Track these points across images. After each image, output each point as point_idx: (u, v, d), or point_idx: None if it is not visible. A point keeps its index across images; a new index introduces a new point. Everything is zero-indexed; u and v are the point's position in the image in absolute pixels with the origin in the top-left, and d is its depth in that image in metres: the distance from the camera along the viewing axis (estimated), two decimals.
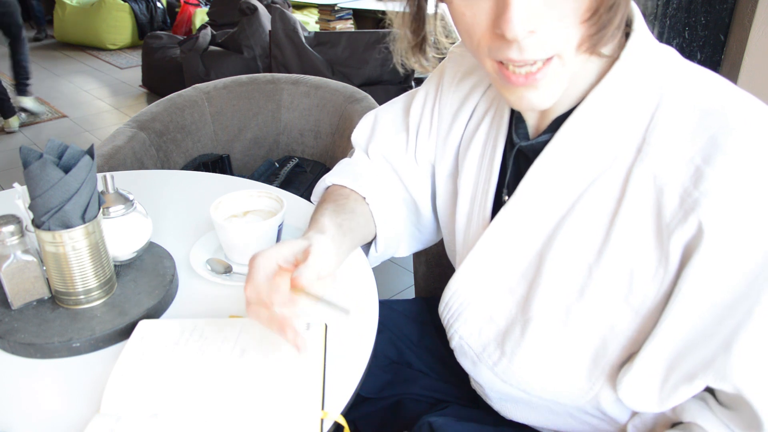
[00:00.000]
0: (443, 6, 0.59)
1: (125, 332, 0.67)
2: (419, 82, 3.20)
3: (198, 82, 1.67)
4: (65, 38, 5.76)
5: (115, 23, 5.53)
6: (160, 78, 4.14)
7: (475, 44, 0.53)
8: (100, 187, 0.71)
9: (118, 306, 0.70)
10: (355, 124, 0.86)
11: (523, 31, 0.47)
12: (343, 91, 1.61)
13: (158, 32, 4.46)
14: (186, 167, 1.56)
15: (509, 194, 0.66)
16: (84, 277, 0.68)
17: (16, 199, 0.68)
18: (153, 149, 1.47)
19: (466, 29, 0.52)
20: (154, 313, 0.71)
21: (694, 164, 0.50)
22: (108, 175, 0.76)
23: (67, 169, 0.64)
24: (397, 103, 0.83)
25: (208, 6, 5.01)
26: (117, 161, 1.33)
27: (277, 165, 1.62)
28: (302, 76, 1.68)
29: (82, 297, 0.69)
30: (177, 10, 5.55)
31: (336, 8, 4.44)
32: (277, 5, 3.52)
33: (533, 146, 0.62)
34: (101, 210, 0.69)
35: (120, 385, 0.59)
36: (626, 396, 0.57)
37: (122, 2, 5.50)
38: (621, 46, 0.56)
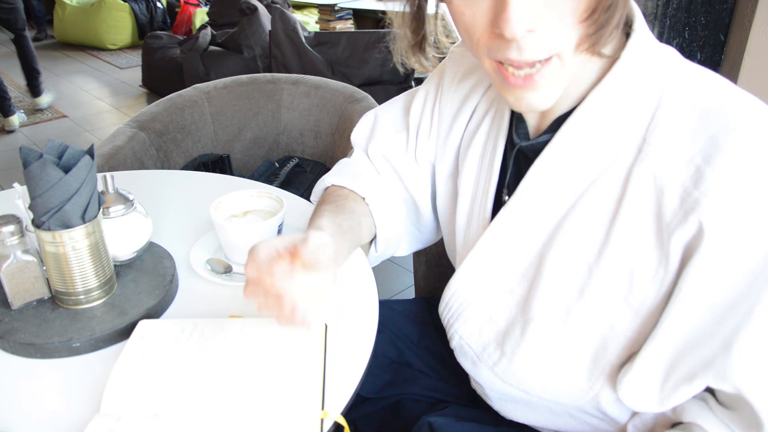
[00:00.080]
0: (444, 6, 0.59)
1: (125, 332, 0.67)
2: (419, 82, 3.20)
3: (198, 82, 1.67)
4: (65, 38, 5.76)
5: (115, 23, 5.53)
6: (160, 78, 4.14)
7: (475, 44, 0.53)
8: (100, 187, 0.71)
9: (118, 306, 0.70)
10: (355, 124, 0.86)
11: (521, 30, 0.47)
12: (343, 91, 1.61)
13: (158, 32, 4.46)
14: (186, 167, 1.56)
15: (509, 194, 0.66)
16: (84, 277, 0.68)
17: (16, 199, 0.68)
18: (153, 149, 1.47)
19: (465, 28, 0.52)
20: (154, 313, 0.71)
21: (695, 164, 0.50)
22: (108, 175, 0.76)
23: (67, 169, 0.64)
24: (397, 102, 0.83)
25: (208, 6, 5.01)
26: (117, 161, 1.33)
27: (277, 165, 1.62)
28: (302, 76, 1.68)
29: (82, 297, 0.69)
30: (177, 10, 5.55)
31: (336, 8, 4.44)
32: (277, 5, 3.52)
33: (533, 146, 0.62)
34: (101, 210, 0.69)
35: (120, 385, 0.59)
36: (626, 396, 0.57)
37: (122, 2, 5.50)
38: (621, 46, 0.56)
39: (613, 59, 0.56)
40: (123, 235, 0.76)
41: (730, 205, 0.48)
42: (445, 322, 0.72)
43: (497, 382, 0.67)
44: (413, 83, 3.21)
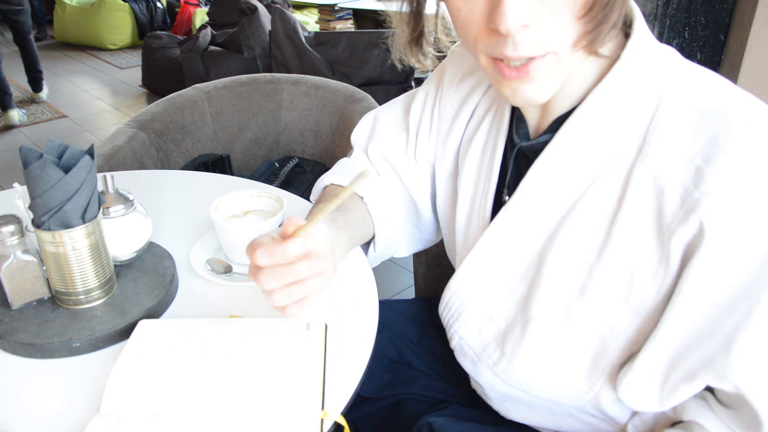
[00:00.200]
0: (444, 5, 0.59)
1: (125, 332, 0.67)
2: (419, 82, 3.21)
3: (198, 82, 1.67)
4: (65, 38, 5.76)
5: (115, 23, 5.53)
6: (160, 78, 4.14)
7: (472, 41, 0.53)
8: (100, 187, 0.71)
9: (118, 306, 0.70)
10: (355, 124, 0.86)
11: (516, 25, 0.47)
12: (343, 91, 1.61)
13: (158, 32, 4.46)
14: (186, 167, 1.56)
15: (509, 194, 0.66)
16: (84, 277, 0.68)
17: (16, 199, 0.68)
18: (153, 149, 1.47)
19: (462, 25, 0.52)
20: (154, 313, 0.71)
21: (695, 164, 0.50)
22: (108, 175, 0.76)
23: (67, 169, 0.64)
24: (397, 103, 0.83)
25: (208, 6, 5.01)
26: (117, 161, 1.33)
27: (277, 165, 1.62)
28: (302, 76, 1.68)
29: (82, 297, 0.69)
30: (177, 10, 5.55)
31: (336, 8, 4.44)
32: (277, 5, 3.52)
33: (534, 146, 0.62)
34: (101, 210, 0.69)
35: (120, 385, 0.59)
36: (626, 396, 0.57)
37: (122, 2, 5.50)
38: (621, 46, 0.56)
39: (613, 59, 0.56)
40: (123, 235, 0.76)
41: (731, 205, 0.48)
42: (445, 322, 0.72)
43: (497, 382, 0.67)
44: (413, 83, 3.21)
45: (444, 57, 0.75)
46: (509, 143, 0.67)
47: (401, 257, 0.88)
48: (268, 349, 0.64)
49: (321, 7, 4.56)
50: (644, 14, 0.57)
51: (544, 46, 0.49)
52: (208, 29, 3.85)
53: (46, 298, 0.71)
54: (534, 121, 0.64)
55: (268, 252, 0.54)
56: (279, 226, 0.80)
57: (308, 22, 4.68)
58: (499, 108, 0.69)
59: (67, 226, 0.64)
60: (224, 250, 0.82)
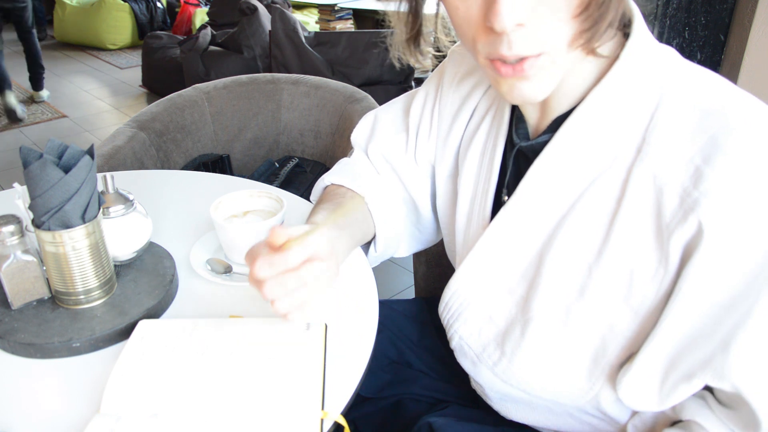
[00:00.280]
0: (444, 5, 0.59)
1: (125, 332, 0.67)
2: (419, 82, 3.21)
3: (198, 82, 1.67)
4: (65, 38, 5.76)
5: (115, 23, 5.53)
6: (160, 78, 4.14)
7: (470, 40, 0.53)
8: (100, 187, 0.71)
9: (118, 306, 0.70)
10: (355, 124, 0.86)
11: (511, 23, 0.47)
12: (343, 91, 1.61)
13: (158, 32, 4.46)
14: (186, 167, 1.56)
15: (509, 194, 0.66)
16: (84, 277, 0.68)
17: (16, 199, 0.68)
18: (153, 149, 1.47)
19: (460, 24, 0.52)
20: (154, 313, 0.71)
21: (694, 164, 0.50)
22: (108, 175, 0.76)
23: (67, 169, 0.64)
24: (397, 103, 0.83)
25: (208, 6, 5.01)
26: (117, 161, 1.33)
27: (277, 165, 1.62)
28: (302, 76, 1.68)
29: (82, 297, 0.69)
30: (177, 10, 5.55)
31: (336, 8, 4.44)
32: (277, 5, 3.52)
33: (533, 146, 0.62)
34: (101, 210, 0.69)
35: (120, 385, 0.59)
36: (626, 396, 0.57)
37: (122, 2, 5.50)
38: (621, 46, 0.56)
39: (613, 59, 0.56)
40: (123, 235, 0.76)
41: (730, 205, 0.48)
42: (444, 322, 0.72)
43: (497, 382, 0.67)
44: (413, 83, 3.21)
45: (444, 57, 0.75)
46: (509, 143, 0.67)
47: (401, 257, 0.88)
48: (268, 349, 0.64)
49: (321, 7, 4.57)
50: (644, 14, 0.57)
51: (539, 44, 0.49)
52: (208, 29, 3.85)
53: (46, 298, 0.71)
54: (533, 121, 0.64)
55: (269, 262, 0.54)
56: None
57: (308, 22, 4.68)
58: (499, 108, 0.69)
59: (67, 226, 0.64)
60: (224, 250, 0.82)
